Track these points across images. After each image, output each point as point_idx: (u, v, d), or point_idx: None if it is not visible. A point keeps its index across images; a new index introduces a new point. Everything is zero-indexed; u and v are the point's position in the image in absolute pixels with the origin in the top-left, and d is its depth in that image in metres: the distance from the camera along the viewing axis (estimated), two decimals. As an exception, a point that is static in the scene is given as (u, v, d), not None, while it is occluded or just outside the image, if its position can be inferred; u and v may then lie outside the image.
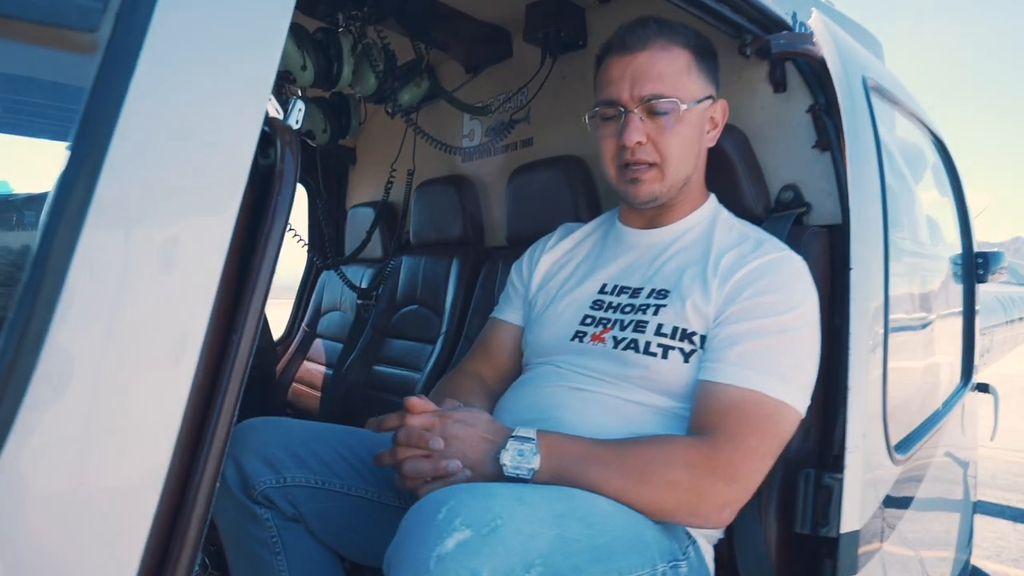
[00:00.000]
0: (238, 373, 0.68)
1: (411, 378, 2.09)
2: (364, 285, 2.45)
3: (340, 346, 2.48)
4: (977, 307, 1.79)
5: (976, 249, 1.84)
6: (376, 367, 2.25)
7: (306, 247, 2.19)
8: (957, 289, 1.75)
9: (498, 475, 0.93)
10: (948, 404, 1.51)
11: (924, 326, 1.49)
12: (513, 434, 0.95)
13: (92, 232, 0.52)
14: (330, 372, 2.47)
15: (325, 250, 2.66)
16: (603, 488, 0.93)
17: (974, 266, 1.74)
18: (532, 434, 0.95)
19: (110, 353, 0.55)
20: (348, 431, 1.18)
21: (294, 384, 2.63)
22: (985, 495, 4.70)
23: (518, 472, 0.92)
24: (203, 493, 0.66)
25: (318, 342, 2.67)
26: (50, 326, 0.51)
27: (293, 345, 2.76)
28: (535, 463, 0.92)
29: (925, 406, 1.41)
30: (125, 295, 0.55)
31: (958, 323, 1.72)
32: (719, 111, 1.19)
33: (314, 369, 2.58)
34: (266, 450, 1.07)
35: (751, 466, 0.97)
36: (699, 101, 1.13)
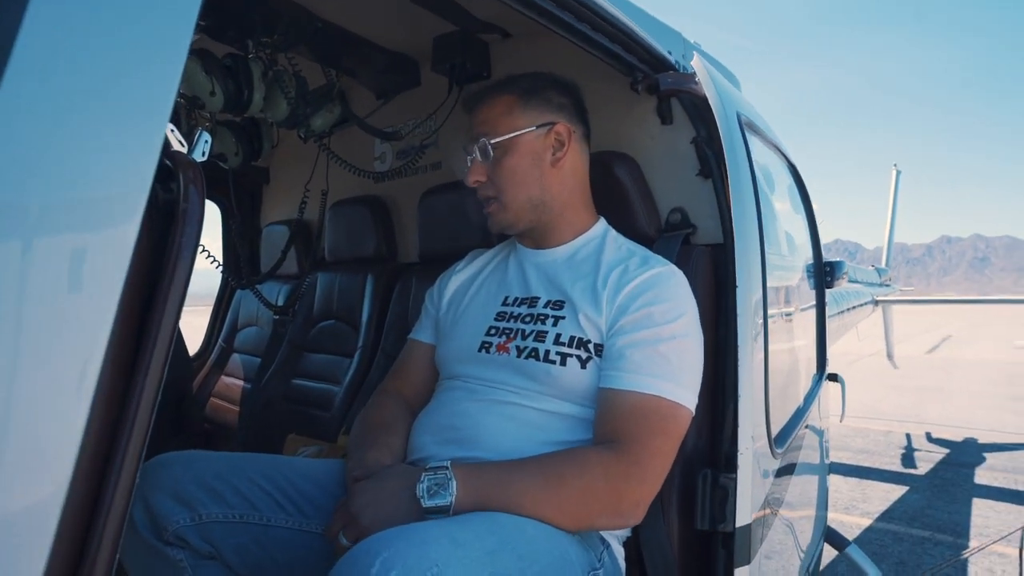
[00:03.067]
0: (144, 413, 0.56)
1: (330, 391, 1.94)
2: (281, 301, 2.26)
3: (258, 361, 2.28)
4: (826, 308, 1.87)
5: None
6: (295, 380, 2.08)
7: (218, 266, 1.97)
8: (811, 294, 1.82)
9: (424, 514, 0.84)
10: (810, 395, 1.56)
11: (790, 331, 1.53)
12: (427, 468, 0.88)
13: None
14: (248, 386, 2.26)
15: (239, 268, 2.44)
16: (526, 505, 0.86)
17: (823, 274, 1.81)
18: (446, 463, 0.88)
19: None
20: (266, 459, 1.05)
21: (212, 399, 2.39)
22: (822, 456, 5.05)
23: (436, 503, 0.83)
24: (109, 534, 0.54)
25: (235, 357, 2.45)
26: None
27: (210, 360, 2.52)
28: (452, 490, 0.85)
29: (794, 401, 1.44)
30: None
31: (813, 323, 1.79)
32: (563, 131, 1.13)
33: (232, 384, 2.36)
34: (179, 487, 0.92)
35: (658, 463, 0.94)
36: (524, 131, 1.10)
